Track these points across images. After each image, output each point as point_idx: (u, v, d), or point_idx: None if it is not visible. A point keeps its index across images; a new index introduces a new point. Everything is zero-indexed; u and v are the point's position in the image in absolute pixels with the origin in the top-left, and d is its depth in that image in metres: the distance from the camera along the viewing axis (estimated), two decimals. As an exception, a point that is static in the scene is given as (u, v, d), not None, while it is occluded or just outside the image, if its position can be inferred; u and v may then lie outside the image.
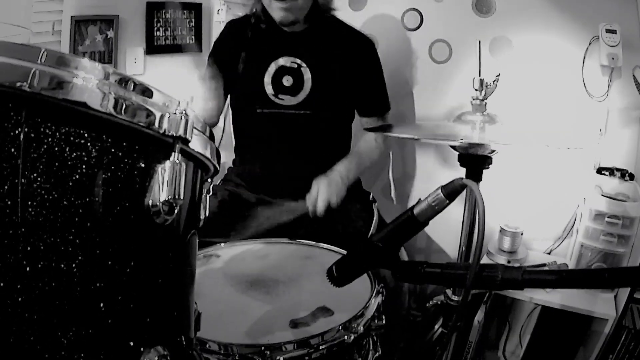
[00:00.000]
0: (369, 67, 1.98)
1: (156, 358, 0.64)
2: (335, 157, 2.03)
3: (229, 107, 2.03)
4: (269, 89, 1.88)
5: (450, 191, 0.85)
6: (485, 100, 1.35)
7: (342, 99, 1.95)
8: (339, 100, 1.95)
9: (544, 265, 2.13)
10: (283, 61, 1.88)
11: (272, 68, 1.88)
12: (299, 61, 1.88)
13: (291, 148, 1.91)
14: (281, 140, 1.92)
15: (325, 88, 1.89)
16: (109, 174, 0.59)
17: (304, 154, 1.91)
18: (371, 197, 2.05)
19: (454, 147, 1.23)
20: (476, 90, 1.35)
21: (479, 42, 1.39)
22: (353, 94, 1.96)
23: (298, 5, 1.75)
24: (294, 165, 1.92)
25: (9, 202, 0.52)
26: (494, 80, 1.34)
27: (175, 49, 2.60)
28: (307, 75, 1.88)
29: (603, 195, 1.95)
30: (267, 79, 1.88)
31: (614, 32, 1.99)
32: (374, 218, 1.93)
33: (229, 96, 2.00)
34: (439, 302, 1.43)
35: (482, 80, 1.34)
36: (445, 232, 2.38)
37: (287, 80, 1.88)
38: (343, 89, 1.93)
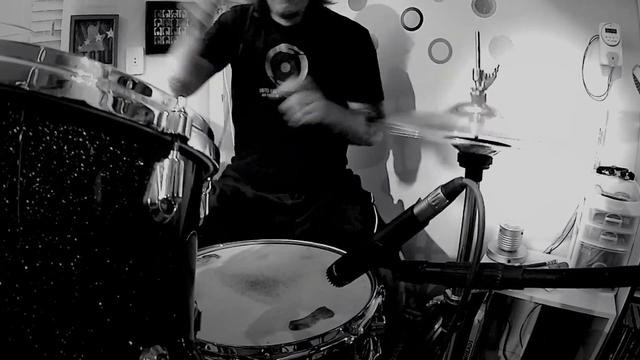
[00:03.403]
0: (364, 55, 1.99)
1: (155, 357, 0.63)
2: (333, 153, 2.03)
3: (231, 103, 2.02)
4: (269, 72, 1.90)
5: (450, 191, 0.85)
6: (484, 92, 1.34)
7: (339, 88, 1.96)
8: (336, 89, 1.94)
9: (544, 264, 2.13)
10: (280, 48, 1.90)
11: (270, 54, 1.90)
12: (296, 48, 1.89)
13: (289, 138, 1.91)
14: (279, 130, 1.91)
15: (322, 75, 1.89)
16: (107, 173, 0.59)
17: (302, 145, 1.91)
18: (372, 198, 2.05)
19: (455, 146, 1.23)
20: (475, 81, 1.34)
21: (477, 33, 1.39)
22: (348, 81, 1.97)
23: None
24: (292, 158, 1.93)
25: (8, 201, 0.52)
26: (494, 72, 1.33)
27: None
28: (305, 62, 1.89)
29: (603, 195, 1.95)
30: (267, 64, 1.90)
31: (613, 31, 1.99)
32: (375, 220, 1.92)
33: (230, 88, 2.00)
34: (439, 302, 1.43)
35: (481, 72, 1.33)
36: (445, 231, 2.38)
37: (284, 67, 1.90)
38: (340, 78, 1.94)
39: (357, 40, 1.98)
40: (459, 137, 1.13)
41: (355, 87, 2.00)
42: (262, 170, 1.98)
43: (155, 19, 2.49)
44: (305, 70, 1.89)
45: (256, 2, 1.88)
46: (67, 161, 0.56)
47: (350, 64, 1.94)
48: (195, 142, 0.68)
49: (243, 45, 1.90)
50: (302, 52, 1.89)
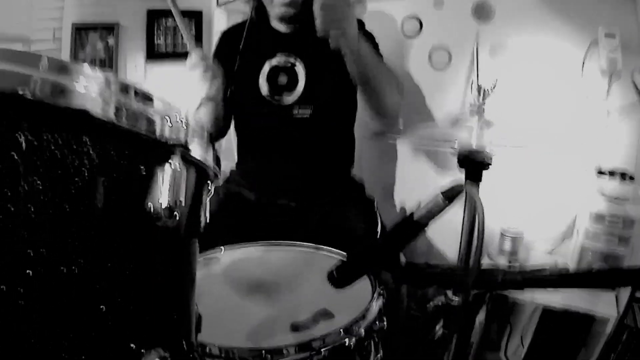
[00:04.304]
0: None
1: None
2: (336, 157, 2.03)
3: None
4: (263, 90, 1.90)
5: (450, 195, 0.85)
6: (483, 105, 1.36)
7: (339, 92, 1.95)
8: (336, 93, 1.95)
9: (545, 266, 2.13)
10: (276, 60, 1.90)
11: (265, 68, 1.90)
12: (292, 59, 1.90)
13: (290, 148, 1.92)
14: (280, 140, 1.92)
15: (321, 82, 1.90)
16: (110, 180, 0.60)
17: (303, 154, 1.92)
18: (375, 205, 2.06)
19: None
20: (474, 96, 1.35)
21: (476, 44, 1.40)
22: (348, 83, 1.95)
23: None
24: (293, 166, 1.94)
25: (12, 209, 0.53)
26: (492, 86, 1.35)
27: (175, 56, 2.61)
28: (302, 72, 1.90)
29: (603, 197, 1.95)
30: (262, 79, 1.90)
31: (613, 36, 2.00)
32: (378, 227, 1.93)
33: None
34: (440, 303, 1.44)
35: (479, 87, 1.35)
36: (445, 235, 2.38)
37: (282, 79, 1.90)
38: (340, 81, 1.92)
39: None
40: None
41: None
42: (265, 178, 1.99)
43: (155, 27, 2.50)
44: (302, 81, 1.89)
45: (254, 8, 1.90)
46: (70, 169, 0.56)
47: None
48: (197, 150, 0.69)
49: (239, 60, 1.90)
50: (298, 63, 1.90)
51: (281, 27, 1.90)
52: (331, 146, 2.02)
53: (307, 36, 1.89)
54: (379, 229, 1.92)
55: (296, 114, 1.90)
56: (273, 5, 1.81)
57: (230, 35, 2.02)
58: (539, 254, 2.31)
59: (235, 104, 1.98)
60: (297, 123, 1.90)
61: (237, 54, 1.90)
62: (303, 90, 1.89)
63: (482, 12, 2.27)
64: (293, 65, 1.90)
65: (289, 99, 1.90)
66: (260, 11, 1.89)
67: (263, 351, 1.03)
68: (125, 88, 0.61)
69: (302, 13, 1.86)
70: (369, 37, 1.98)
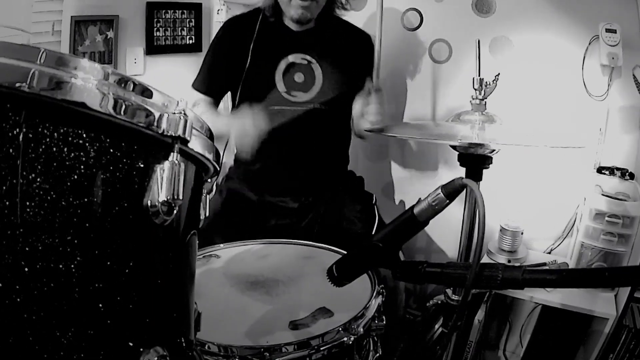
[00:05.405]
0: (368, 60, 1.99)
1: (155, 358, 0.64)
2: (336, 154, 2.04)
3: (234, 104, 2.02)
4: (280, 86, 1.90)
5: (451, 191, 0.84)
6: (484, 100, 1.35)
7: (349, 93, 1.98)
8: (347, 94, 1.97)
9: (544, 264, 2.13)
10: (292, 58, 1.90)
11: (282, 65, 1.90)
12: (308, 57, 1.90)
13: (298, 145, 1.91)
14: (289, 137, 1.92)
15: (335, 83, 1.91)
16: (107, 174, 0.59)
17: (309, 151, 1.92)
18: (374, 199, 2.05)
19: (454, 147, 1.23)
20: (475, 89, 1.35)
21: (478, 41, 1.39)
22: (355, 84, 1.99)
23: (317, 3, 1.81)
24: (298, 163, 1.93)
25: (8, 203, 0.52)
26: (494, 80, 1.34)
27: (175, 49, 2.60)
28: (318, 71, 1.91)
29: (603, 195, 1.95)
30: (278, 76, 1.90)
31: (614, 31, 1.99)
32: (375, 221, 1.93)
33: (237, 94, 1.98)
34: (439, 302, 1.43)
35: (481, 80, 1.34)
36: (445, 231, 2.38)
37: (298, 77, 1.90)
38: (350, 83, 1.96)
39: (362, 46, 2.00)
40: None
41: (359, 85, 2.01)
42: (268, 177, 1.98)
43: (155, 20, 2.48)
44: (320, 79, 1.90)
45: (270, 5, 1.88)
46: (67, 163, 0.55)
47: (357, 68, 1.95)
48: (196, 144, 0.68)
49: (251, 57, 1.89)
50: (314, 61, 1.90)
51: (294, 26, 1.89)
52: (333, 142, 2.02)
53: (320, 36, 1.92)
54: (375, 223, 1.92)
55: (311, 110, 1.91)
56: (290, 7, 1.81)
57: (233, 26, 1.99)
58: (539, 251, 2.31)
59: (249, 99, 1.94)
60: (308, 119, 1.90)
61: (244, 48, 1.89)
62: (320, 88, 1.90)
63: (482, 6, 2.26)
64: (310, 62, 1.91)
65: (307, 95, 1.90)
66: (275, 9, 1.88)
67: (262, 349, 1.03)
68: (123, 81, 0.60)
69: (318, 14, 1.88)
70: (366, 40, 2.01)
